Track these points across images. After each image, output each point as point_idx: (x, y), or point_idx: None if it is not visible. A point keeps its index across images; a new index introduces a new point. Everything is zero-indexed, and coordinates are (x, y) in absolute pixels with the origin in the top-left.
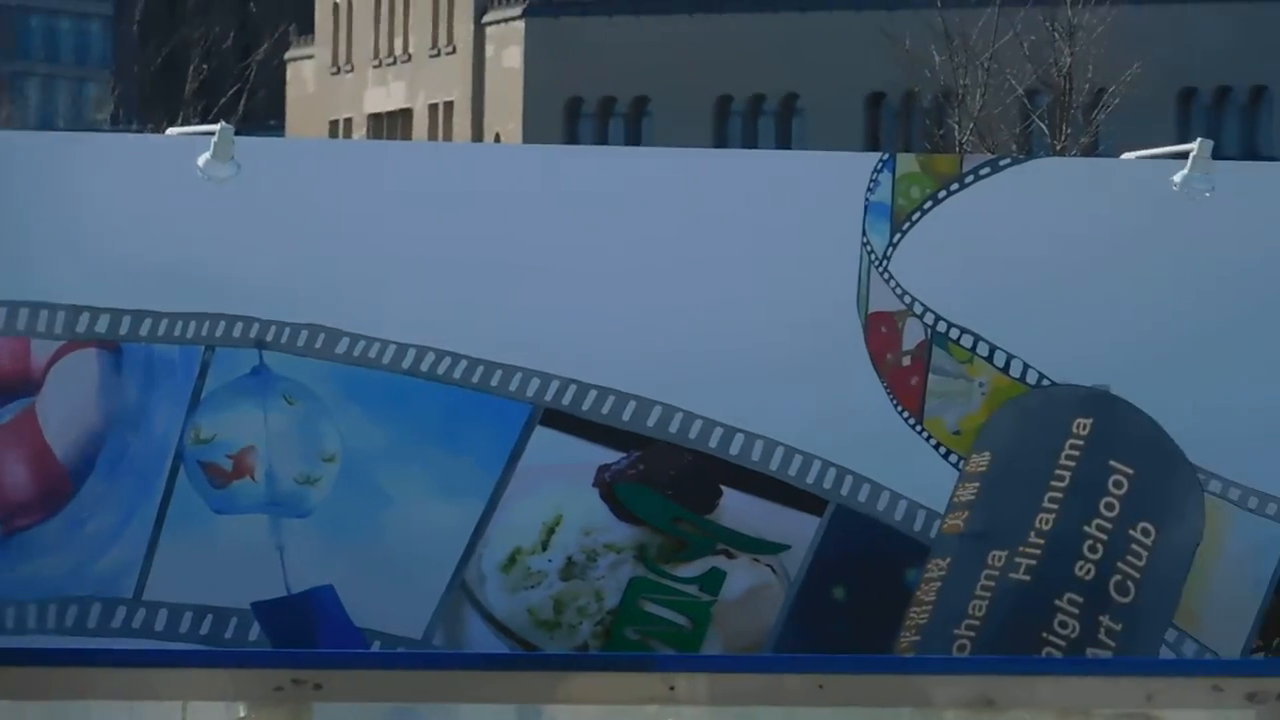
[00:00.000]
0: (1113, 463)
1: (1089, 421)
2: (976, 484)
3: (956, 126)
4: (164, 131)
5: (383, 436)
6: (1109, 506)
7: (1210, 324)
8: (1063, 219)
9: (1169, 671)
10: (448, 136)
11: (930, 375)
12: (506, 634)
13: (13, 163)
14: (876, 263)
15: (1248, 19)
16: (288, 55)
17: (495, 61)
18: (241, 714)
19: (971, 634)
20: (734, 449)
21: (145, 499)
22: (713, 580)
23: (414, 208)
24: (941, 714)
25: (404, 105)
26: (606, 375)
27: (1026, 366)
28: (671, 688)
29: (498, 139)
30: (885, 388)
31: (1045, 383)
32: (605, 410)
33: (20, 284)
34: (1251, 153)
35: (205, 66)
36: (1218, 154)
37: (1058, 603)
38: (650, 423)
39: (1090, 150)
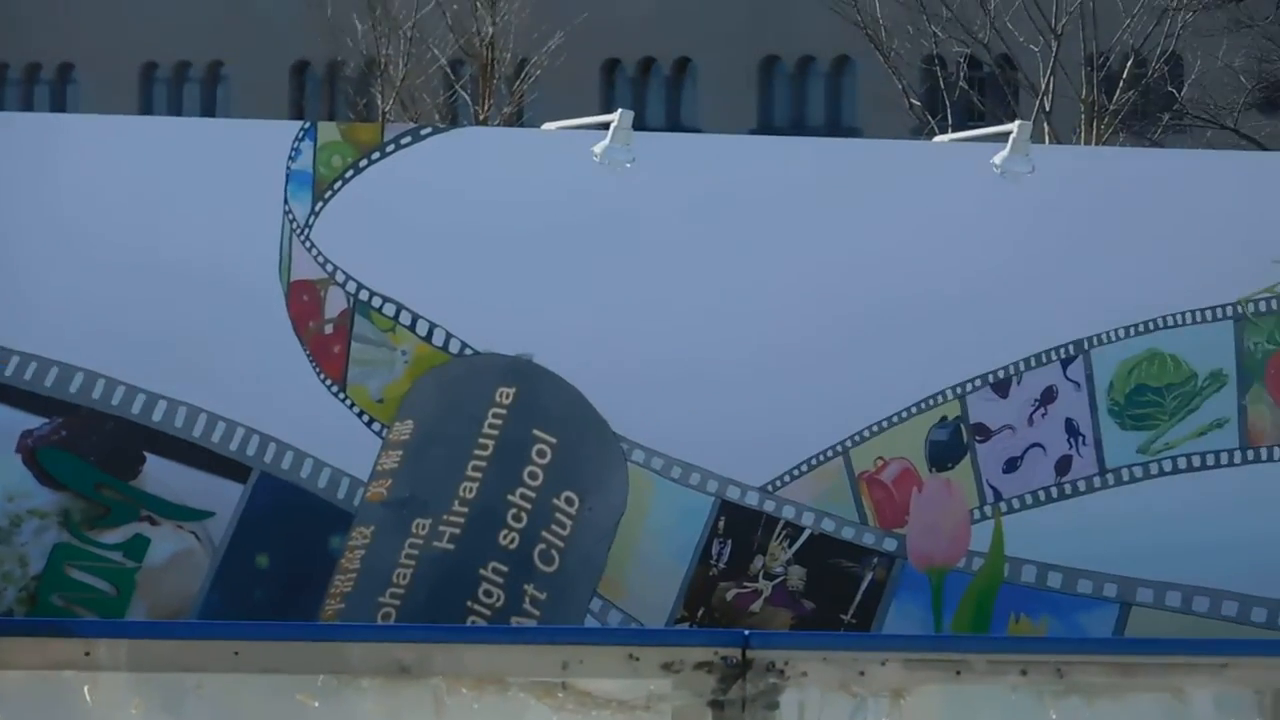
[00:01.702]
0: (536, 431)
1: (512, 390)
2: (399, 452)
3: (379, 96)
4: None
5: None
6: (532, 475)
7: (634, 293)
8: (485, 188)
9: (584, 640)
10: None
11: (353, 343)
12: None
13: None
14: (298, 231)
15: None
16: None
17: None
18: None
19: (396, 602)
20: (157, 415)
21: None
22: (136, 547)
23: None
24: (358, 681)
25: None
26: (31, 342)
27: (450, 335)
28: (87, 653)
29: None
30: (308, 356)
31: (468, 351)
32: (28, 376)
33: None
34: (675, 124)
35: None
36: (642, 125)
37: (482, 571)
38: (73, 389)
39: (514, 120)
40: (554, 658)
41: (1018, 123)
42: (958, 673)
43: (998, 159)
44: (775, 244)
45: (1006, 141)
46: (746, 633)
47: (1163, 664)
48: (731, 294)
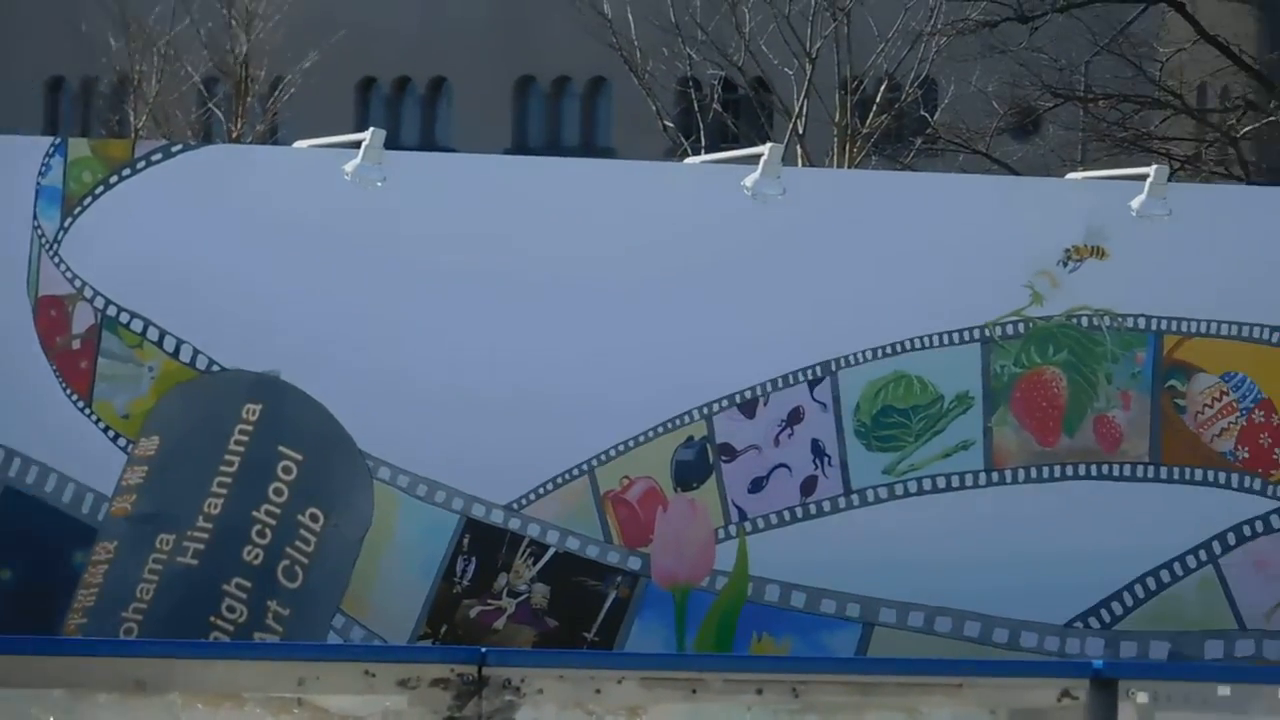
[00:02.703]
0: (282, 448)
1: (258, 407)
2: (145, 468)
3: (133, 113)
4: None
5: None
6: (278, 492)
7: (382, 311)
8: (235, 205)
9: (321, 656)
10: None
11: (100, 359)
12: None
13: None
14: (47, 247)
15: (429, 10)
16: None
17: None
18: None
19: (139, 617)
20: None
21: None
22: None
23: None
24: (94, 695)
25: None
26: None
27: (197, 352)
28: None
29: None
30: (54, 371)
31: (215, 368)
32: None
33: None
34: (430, 143)
35: None
36: (397, 144)
37: (226, 587)
38: None
39: (267, 138)
40: (290, 674)
41: (769, 145)
42: (694, 691)
43: (748, 181)
44: (525, 264)
45: (758, 164)
46: (483, 650)
47: (898, 683)
48: (479, 313)
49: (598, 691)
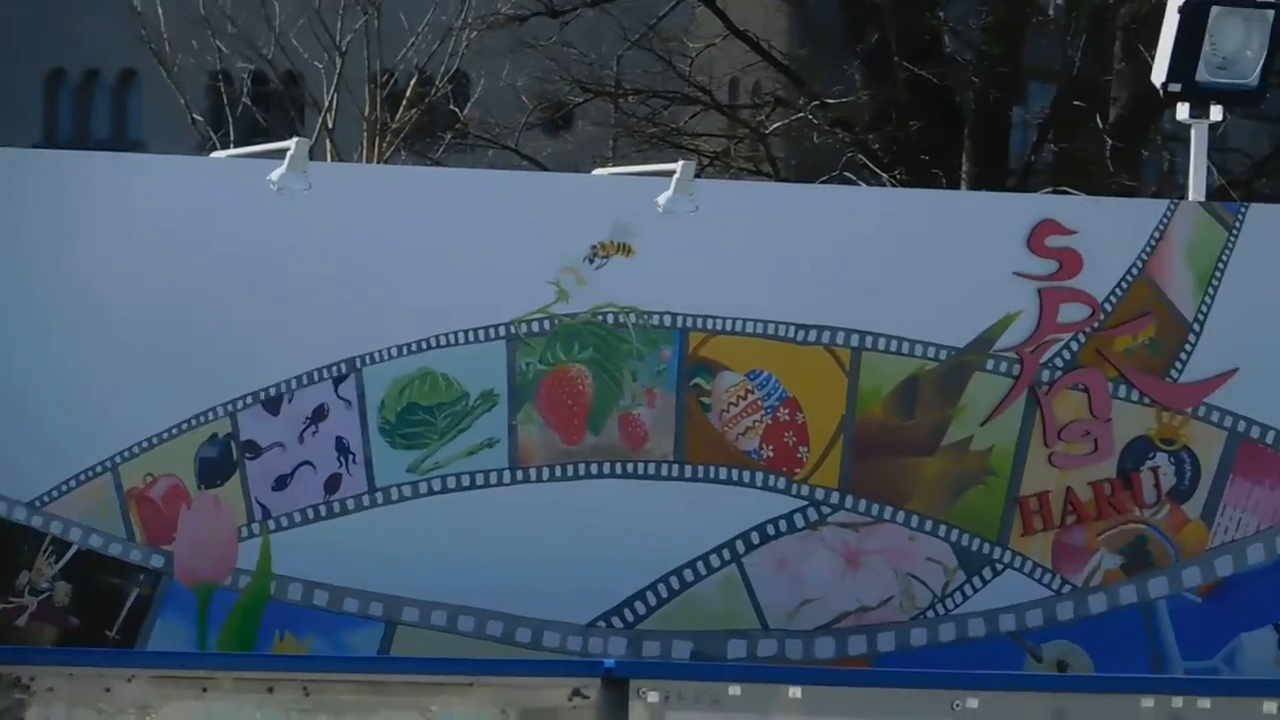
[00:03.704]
0: None
1: None
2: None
3: None
4: None
5: None
6: None
7: None
8: None
9: None
10: None
11: None
12: None
13: None
14: None
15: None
16: None
17: None
18: None
19: None
20: None
21: None
22: None
23: None
24: None
25: None
26: None
27: None
28: None
29: None
30: None
31: None
32: None
33: None
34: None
35: None
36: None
37: None
38: None
39: None
40: None
41: (295, 140)
42: (204, 690)
43: (274, 176)
44: (46, 256)
45: (284, 159)
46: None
47: (410, 683)
48: (5, 305)
49: (107, 690)
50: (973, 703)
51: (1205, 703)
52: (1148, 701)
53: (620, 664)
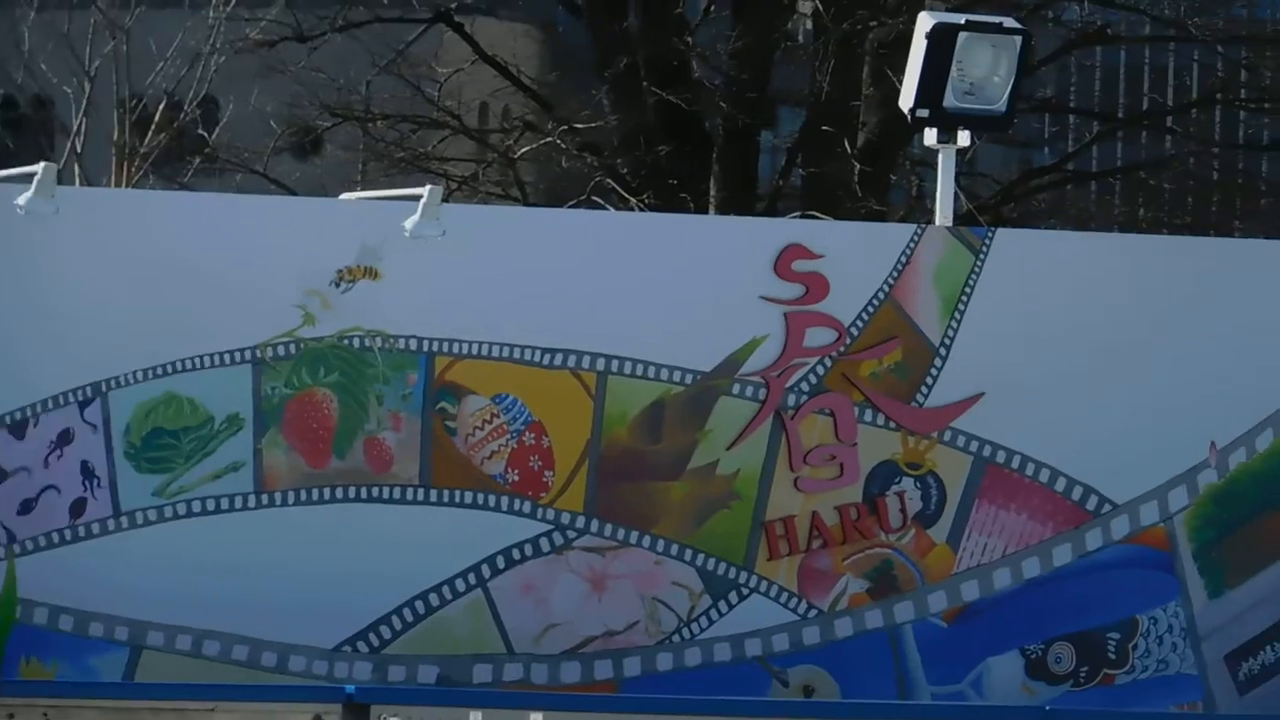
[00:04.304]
0: None
1: None
2: None
3: None
4: None
5: None
6: None
7: None
8: None
9: None
10: None
11: None
12: None
13: None
14: None
15: None
16: None
17: None
18: None
19: None
20: None
21: None
22: None
23: None
24: None
25: None
26: None
27: None
28: None
29: None
30: None
31: None
32: None
33: None
34: None
35: None
36: None
37: None
38: None
39: None
40: None
41: (43, 165)
42: None
43: (21, 200)
44: None
45: (32, 183)
46: None
47: (151, 708)
48: None
49: None
50: None
51: None
52: None
53: (361, 689)
